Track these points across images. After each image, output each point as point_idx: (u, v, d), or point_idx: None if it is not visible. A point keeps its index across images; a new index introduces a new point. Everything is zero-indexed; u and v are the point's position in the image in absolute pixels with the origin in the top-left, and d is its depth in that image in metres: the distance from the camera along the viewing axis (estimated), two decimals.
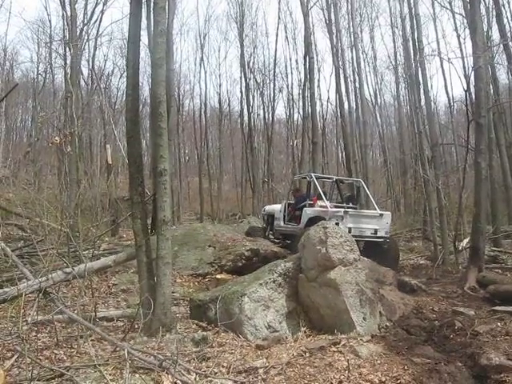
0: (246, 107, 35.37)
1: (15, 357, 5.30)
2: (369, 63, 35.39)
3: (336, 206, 13.47)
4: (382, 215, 13.11)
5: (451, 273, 12.61)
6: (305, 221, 13.05)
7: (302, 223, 13.13)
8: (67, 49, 23.10)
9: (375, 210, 13.76)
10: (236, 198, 36.64)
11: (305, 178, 15.96)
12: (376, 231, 12.69)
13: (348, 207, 13.59)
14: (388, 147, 36.02)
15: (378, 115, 36.91)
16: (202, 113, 37.82)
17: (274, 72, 36.38)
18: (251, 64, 36.01)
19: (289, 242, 14.05)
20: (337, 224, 11.53)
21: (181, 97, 37.53)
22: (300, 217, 13.58)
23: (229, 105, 41.01)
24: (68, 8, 22.02)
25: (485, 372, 5.24)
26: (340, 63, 23.24)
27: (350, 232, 11.34)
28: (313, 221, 11.94)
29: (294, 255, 8.47)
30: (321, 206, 13.11)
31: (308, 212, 13.27)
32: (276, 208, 15.82)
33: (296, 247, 11.79)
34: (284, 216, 14.76)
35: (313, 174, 14.70)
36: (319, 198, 13.66)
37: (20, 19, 67.40)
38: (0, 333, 6.17)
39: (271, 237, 15.40)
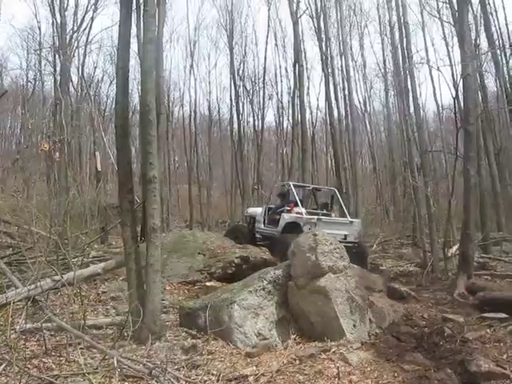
0: (235, 115, 35.39)
1: (3, 365, 5.25)
2: (358, 71, 35.58)
3: (311, 213, 14.53)
4: (352, 222, 14.36)
5: (441, 280, 12.66)
6: (282, 225, 14.18)
7: (280, 227, 14.23)
8: (57, 56, 23.11)
9: (347, 217, 15.22)
10: (226, 205, 36.58)
11: (284, 185, 16.75)
12: (346, 236, 13.49)
13: (322, 214, 14.60)
14: (377, 154, 36.16)
15: (367, 122, 37.09)
16: (192, 120, 37.82)
17: (264, 79, 36.47)
18: (241, 72, 36.06)
19: (267, 242, 14.95)
20: (310, 230, 12.27)
21: (170, 104, 37.52)
22: (278, 221, 14.49)
23: (218, 112, 41.04)
24: (58, 15, 22.10)
25: (474, 378, 5.25)
26: (329, 71, 23.37)
27: None
28: (289, 225, 13.85)
29: (283, 262, 8.46)
30: (297, 213, 14.11)
31: (285, 217, 14.27)
32: (257, 211, 16.57)
33: (274, 248, 12.94)
34: (264, 219, 15.57)
35: (291, 183, 15.75)
36: (296, 204, 14.50)
37: (9, 26, 66.99)
38: None
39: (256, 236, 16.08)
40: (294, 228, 13.66)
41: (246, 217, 17.92)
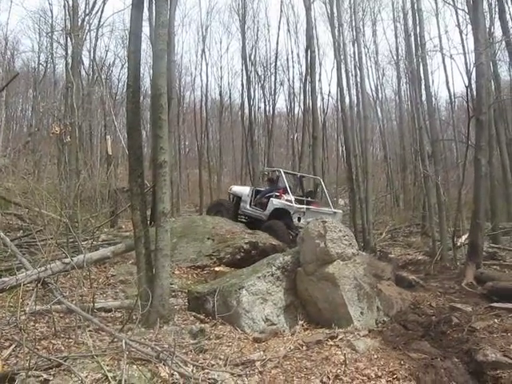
0: (246, 100, 35.22)
1: (13, 346, 5.32)
2: (370, 58, 35.30)
3: (298, 199, 15.01)
4: (335, 213, 14.91)
5: (449, 269, 12.62)
6: (270, 209, 14.80)
7: (268, 211, 14.88)
8: (68, 39, 23.04)
9: (331, 207, 15.75)
10: None
11: (274, 171, 17.28)
12: None
13: (307, 201, 15.26)
14: (388, 142, 36.02)
15: (378, 110, 36.85)
16: (203, 105, 37.71)
17: (276, 65, 36.24)
18: (253, 57, 35.86)
19: (247, 221, 16.07)
20: (299, 218, 14.10)
21: (182, 88, 37.47)
22: (266, 204, 15.04)
23: (230, 97, 40.98)
24: None
25: (481, 368, 5.26)
26: (341, 57, 23.08)
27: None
28: (278, 211, 14.55)
29: (292, 249, 8.48)
30: (287, 200, 14.59)
31: (274, 202, 14.83)
32: (243, 191, 16.91)
33: (259, 229, 13.32)
34: (251, 200, 16.01)
35: (281, 170, 16.20)
36: (285, 191, 15.05)
37: (21, 8, 67.00)
38: None
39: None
40: (282, 214, 14.28)
41: (229, 194, 18.09)
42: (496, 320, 7.02)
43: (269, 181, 16.95)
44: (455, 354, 5.71)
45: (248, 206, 16.02)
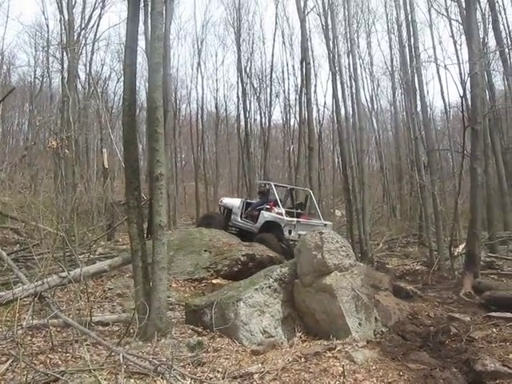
0: (242, 112, 35.24)
1: (10, 361, 5.28)
2: (365, 69, 35.43)
3: (288, 212, 15.11)
4: (325, 225, 14.53)
5: (447, 278, 12.62)
6: (261, 222, 14.85)
7: (259, 223, 14.93)
8: (64, 53, 23.11)
9: (321, 220, 15.67)
10: None
11: (265, 184, 17.30)
12: None
13: (297, 213, 15.30)
14: (384, 153, 36.05)
15: (374, 121, 36.92)
16: (199, 117, 37.84)
17: (271, 77, 36.31)
18: (248, 69, 35.91)
19: (237, 233, 15.92)
20: (290, 231, 14.10)
21: (178, 101, 37.55)
22: (257, 217, 15.21)
23: (225, 110, 40.93)
24: (65, 12, 22.11)
25: (480, 378, 5.24)
26: (337, 69, 23.18)
27: (299, 237, 12.54)
28: (269, 223, 14.61)
29: (289, 260, 8.47)
30: (277, 213, 14.67)
31: (265, 215, 14.89)
32: (234, 203, 16.99)
33: (250, 242, 13.18)
34: (241, 213, 16.14)
35: (272, 183, 16.48)
36: (275, 204, 15.18)
37: (17, 23, 67.32)
38: None
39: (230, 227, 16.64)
40: (273, 227, 14.29)
41: (219, 206, 18.29)
42: (494, 329, 7.02)
43: (260, 193, 16.94)
44: (454, 364, 5.71)
45: (239, 219, 16.09)
